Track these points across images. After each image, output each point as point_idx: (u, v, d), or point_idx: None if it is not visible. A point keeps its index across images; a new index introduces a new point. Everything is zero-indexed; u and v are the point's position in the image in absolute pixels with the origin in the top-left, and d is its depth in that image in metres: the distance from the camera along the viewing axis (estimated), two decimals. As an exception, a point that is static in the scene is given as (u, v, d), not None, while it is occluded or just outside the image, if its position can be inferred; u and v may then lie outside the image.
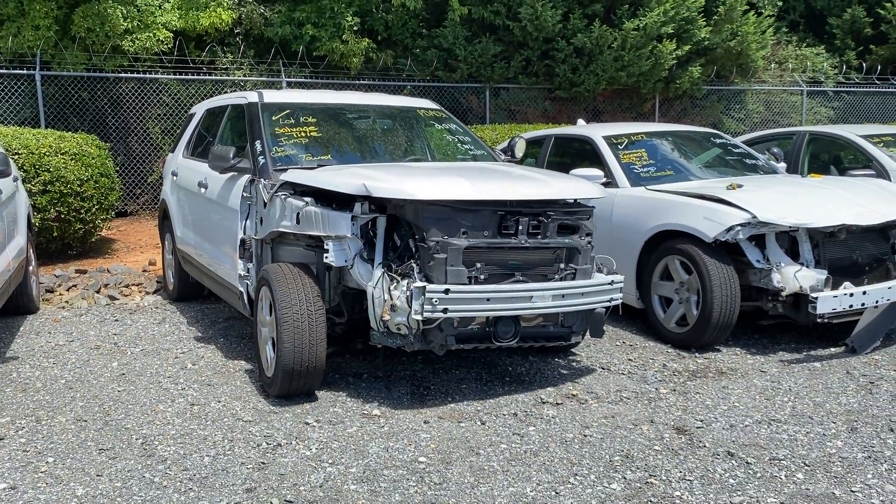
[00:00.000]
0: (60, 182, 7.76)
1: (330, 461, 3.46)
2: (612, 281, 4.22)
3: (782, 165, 6.58)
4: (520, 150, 5.63)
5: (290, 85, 11.26)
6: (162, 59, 10.97)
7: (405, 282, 3.79)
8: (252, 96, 5.35)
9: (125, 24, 10.45)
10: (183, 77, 11.00)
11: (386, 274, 3.86)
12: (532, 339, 4.16)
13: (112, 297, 6.91)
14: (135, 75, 10.73)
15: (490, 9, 11.93)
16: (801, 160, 7.54)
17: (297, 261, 4.42)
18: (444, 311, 3.73)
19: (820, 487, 3.19)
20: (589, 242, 4.21)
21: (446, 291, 3.71)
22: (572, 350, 5.04)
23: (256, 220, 4.65)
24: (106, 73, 10.59)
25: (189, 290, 6.53)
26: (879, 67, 15.45)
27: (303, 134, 5.04)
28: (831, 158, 7.68)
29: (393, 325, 3.86)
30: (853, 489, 3.16)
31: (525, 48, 12.13)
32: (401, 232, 4.04)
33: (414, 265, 3.85)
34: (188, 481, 3.26)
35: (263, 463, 3.44)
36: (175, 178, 6.45)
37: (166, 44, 10.71)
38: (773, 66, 15.57)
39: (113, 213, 8.99)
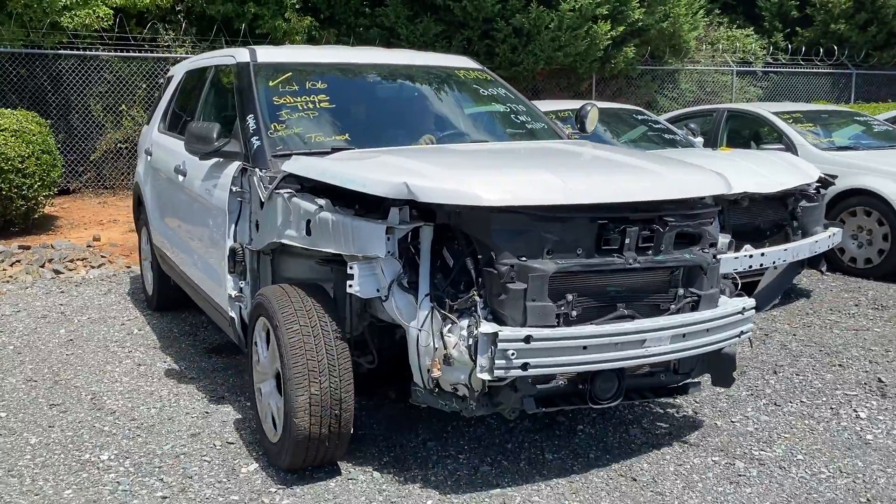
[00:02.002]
0: (1, 159, 7.81)
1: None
2: (744, 308, 3.15)
3: (699, 140, 7.06)
4: (592, 121, 4.44)
5: (232, 63, 11.34)
6: (102, 36, 10.95)
7: (465, 323, 2.69)
8: (242, 54, 4.10)
9: (64, 1, 10.40)
10: (124, 54, 11.01)
11: (436, 311, 2.76)
12: (637, 395, 3.13)
13: (57, 272, 7.03)
14: (74, 52, 10.69)
15: (431, -12, 12.18)
16: (720, 136, 8.04)
17: (306, 278, 3.37)
18: (524, 366, 2.65)
19: (706, 419, 3.62)
20: (715, 256, 3.11)
21: (527, 339, 2.63)
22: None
23: (251, 225, 3.50)
24: (45, 49, 10.54)
25: (172, 296, 5.20)
26: (804, 49, 16.15)
27: (310, 105, 3.82)
28: (749, 134, 8.18)
29: (447, 383, 2.78)
30: (733, 420, 3.61)
31: (466, 28, 12.42)
32: (452, 247, 2.90)
33: (477, 298, 2.73)
34: (136, 429, 3.53)
35: (207, 413, 3.72)
36: (149, 157, 5.29)
37: (106, 21, 10.69)
38: (705, 46, 16.17)
39: (55, 189, 9.02)
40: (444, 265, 2.92)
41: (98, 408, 3.78)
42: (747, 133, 8.21)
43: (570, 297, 2.78)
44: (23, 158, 8.01)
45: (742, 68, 15.60)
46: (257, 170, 3.42)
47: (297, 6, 11.75)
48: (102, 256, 7.54)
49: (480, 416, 3.31)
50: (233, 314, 3.62)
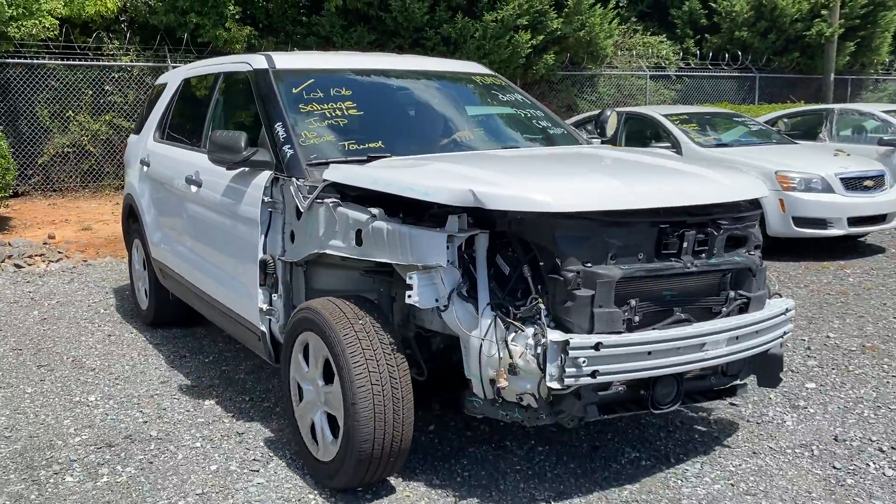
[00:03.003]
0: (-40, 162, 8.36)
1: (225, 364, 4.58)
2: (787, 309, 3.22)
3: (597, 140, 8.07)
4: (612, 126, 4.52)
5: (176, 70, 11.97)
6: (49, 45, 11.47)
7: (531, 331, 2.67)
8: (258, 61, 4.05)
9: (10, 12, 10.89)
10: (70, 63, 11.55)
11: (500, 320, 2.72)
12: (690, 399, 3.13)
13: (18, 265, 7.65)
14: (21, 61, 11.20)
15: (363, 0, 13.02)
16: (618, 136, 9.10)
17: (348, 291, 3.31)
18: (594, 374, 2.64)
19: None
20: (760, 258, 3.20)
21: (597, 346, 2.63)
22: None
23: (285, 235, 3.43)
24: (-8, 58, 11.03)
25: (171, 311, 5.18)
26: (712, 54, 17.52)
27: (338, 112, 3.79)
28: (645, 134, 9.27)
29: (513, 393, 2.73)
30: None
31: (397, 36, 13.29)
32: (505, 254, 2.89)
33: (541, 305, 2.71)
34: (115, 380, 4.31)
35: (172, 366, 4.51)
36: (146, 168, 5.17)
37: (52, 31, 11.22)
38: (622, 52, 17.40)
39: (9, 192, 9.56)
40: (498, 274, 2.87)
41: (79, 367, 4.53)
42: (643, 133, 9.29)
43: (632, 302, 2.78)
44: (-21, 162, 8.57)
45: (655, 73, 16.85)
46: (294, 179, 3.35)
47: (236, 16, 12.44)
48: (59, 252, 8.16)
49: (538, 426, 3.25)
50: (263, 328, 3.51)
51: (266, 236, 3.50)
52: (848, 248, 7.88)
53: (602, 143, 4.55)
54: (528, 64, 14.05)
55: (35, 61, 11.32)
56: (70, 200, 11.33)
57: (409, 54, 5.61)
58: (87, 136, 11.70)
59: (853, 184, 7.44)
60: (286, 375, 3.27)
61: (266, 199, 3.49)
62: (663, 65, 17.40)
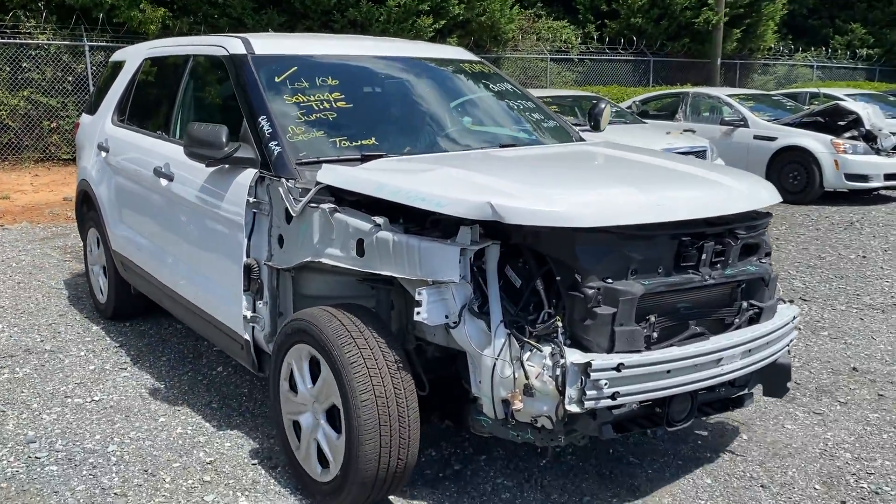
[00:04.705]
0: None
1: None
2: (794, 316, 3.16)
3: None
4: (606, 119, 4.40)
5: (91, 50, 12.65)
6: (-34, 22, 12.01)
7: (548, 351, 2.53)
8: (234, 45, 3.73)
9: (-73, -10, 11.41)
10: (-13, 40, 12.11)
11: (513, 337, 2.57)
12: (702, 413, 3.02)
13: (-61, 229, 8.40)
14: (-61, 38, 11.73)
15: (274, -17, 13.83)
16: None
17: (342, 298, 3.09)
18: (614, 396, 2.53)
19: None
20: (771, 265, 3.12)
21: (618, 367, 2.51)
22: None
23: (272, 239, 3.20)
24: (-90, 35, 11.52)
25: (131, 304, 4.94)
26: (609, 39, 18.83)
27: (326, 105, 3.50)
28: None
29: (528, 415, 2.59)
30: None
31: (307, 19, 14.15)
32: (517, 267, 2.73)
33: (559, 324, 2.57)
34: (20, 314, 5.23)
35: (72, 304, 5.47)
36: (104, 154, 4.84)
37: (-31, 9, 11.77)
38: (531, 36, 18.57)
39: (-71, 162, 10.20)
40: (508, 286, 2.70)
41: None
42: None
43: (651, 318, 2.66)
44: None
45: (555, 56, 18.07)
46: (283, 180, 3.11)
47: (151, -2, 13.12)
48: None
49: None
50: (247, 337, 3.29)
51: (250, 239, 3.26)
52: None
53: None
54: (432, 46, 15.08)
55: (-48, 38, 11.85)
56: (-14, 172, 11.96)
57: (379, 37, 5.39)
58: (5, 110, 12.29)
59: (677, 158, 8.72)
60: (274, 388, 3.07)
61: (251, 199, 3.24)
62: (566, 48, 18.64)
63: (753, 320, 2.95)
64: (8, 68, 12.30)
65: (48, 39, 12.58)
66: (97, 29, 12.83)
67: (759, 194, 3.03)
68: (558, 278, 2.61)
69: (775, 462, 3.27)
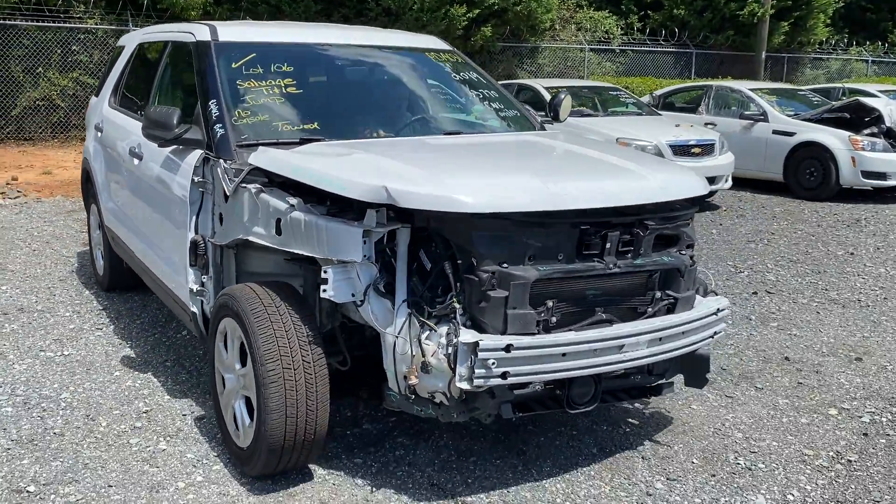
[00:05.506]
0: (-67, 111, 9.72)
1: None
2: (718, 310, 3.17)
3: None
4: (566, 110, 4.50)
5: (135, 34, 13.24)
6: (20, 7, 12.75)
7: (444, 330, 2.65)
8: (201, 31, 3.92)
9: (-15, -24, 12.16)
10: (40, 24, 12.84)
11: (414, 317, 2.71)
12: (611, 397, 3.14)
13: (-20, 200, 9.06)
14: (-5, 22, 12.51)
15: (311, -28, 14.23)
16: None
17: (277, 276, 3.26)
18: (504, 375, 2.63)
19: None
20: (692, 258, 3.14)
21: (508, 348, 2.61)
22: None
23: (214, 217, 3.39)
24: (-31, 19, 12.32)
25: (125, 277, 5.13)
26: (650, 30, 18.68)
27: (276, 90, 3.67)
28: (534, 105, 10.57)
29: (424, 390, 2.73)
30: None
31: (343, 7, 14.53)
32: (429, 250, 2.84)
33: (456, 305, 2.69)
34: (25, 277, 5.72)
35: (74, 272, 5.93)
36: (99, 134, 5.16)
37: (24, -7, 12.50)
38: (570, 25, 18.59)
39: (-21, 138, 10.94)
40: (421, 269, 2.82)
41: (2, 268, 5.94)
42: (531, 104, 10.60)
43: (549, 303, 2.75)
44: (-49, 111, 9.93)
45: (594, 46, 18.05)
46: (221, 161, 3.28)
47: (194, -16, 13.66)
48: (18, 191, 9.56)
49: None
50: (194, 309, 3.48)
51: (198, 216, 3.44)
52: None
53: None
54: (466, 35, 15.27)
55: (7, 22, 12.61)
56: (39, 149, 12.70)
57: (359, 26, 5.55)
58: (56, 91, 13.03)
59: (681, 150, 8.78)
60: (210, 357, 3.25)
61: (196, 178, 3.42)
62: (608, 39, 18.58)
63: (670, 310, 3.01)
64: (59, 51, 13.02)
65: (96, 24, 13.26)
66: (142, 14, 13.45)
67: (675, 186, 3.04)
68: (459, 262, 2.71)
69: (666, 437, 3.46)
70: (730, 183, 9.24)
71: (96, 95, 5.69)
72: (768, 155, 10.34)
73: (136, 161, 4.20)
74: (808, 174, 10.00)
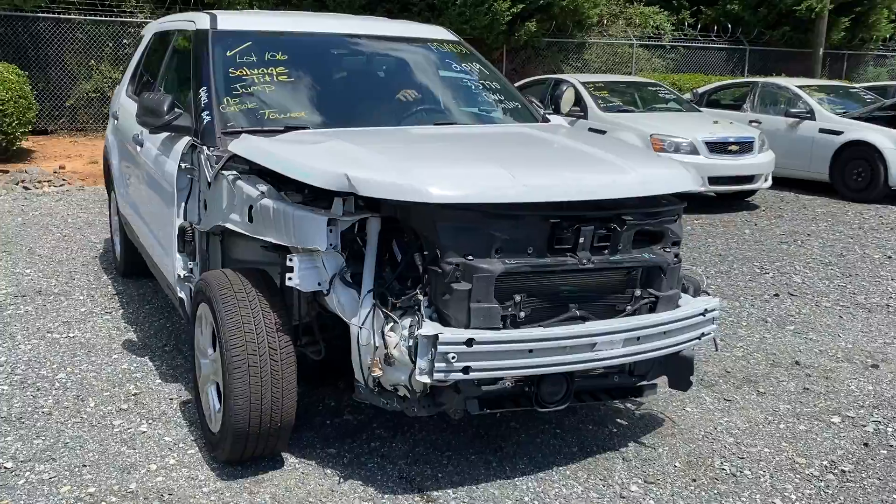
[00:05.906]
0: (-15, 101, 10.11)
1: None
2: (706, 310, 3.04)
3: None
4: (567, 102, 4.46)
5: (182, 28, 13.52)
6: (75, 2, 13.14)
7: (407, 322, 2.62)
8: (202, 20, 3.95)
9: (41, -28, 12.58)
10: (93, 18, 13.22)
11: (378, 309, 2.66)
12: (589, 396, 3.04)
13: (26, 188, 9.37)
14: (50, 15, 12.92)
15: (357, -33, 14.32)
16: (546, 100, 10.29)
17: (259, 263, 3.24)
18: (465, 370, 2.57)
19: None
20: (677, 256, 3.00)
21: (469, 342, 2.55)
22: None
23: (199, 204, 3.42)
24: (26, 12, 12.75)
25: (139, 263, 4.97)
26: (702, 26, 18.23)
27: (266, 78, 3.67)
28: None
29: (388, 382, 2.71)
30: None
31: (387, 1, 14.56)
32: (401, 241, 2.82)
33: (420, 297, 2.65)
34: (50, 261, 5.89)
35: (97, 259, 6.08)
36: (115, 122, 5.31)
37: (79, -12, 12.89)
38: (619, 21, 18.28)
39: (30, 127, 11.30)
40: (393, 259, 2.79)
41: (32, 254, 6.12)
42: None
43: (517, 297, 2.68)
44: (3, 102, 10.29)
45: (643, 42, 17.71)
46: (205, 147, 3.32)
47: (239, -20, 13.89)
48: (63, 180, 9.87)
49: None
50: (182, 295, 3.50)
51: (186, 203, 3.47)
52: (728, 205, 9.01)
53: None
54: (511, 30, 15.15)
55: (63, 16, 13.01)
56: (90, 139, 13.08)
57: (368, 16, 5.50)
58: (108, 83, 13.39)
59: (718, 147, 8.54)
60: (192, 345, 3.26)
61: (184, 165, 3.45)
62: (659, 34, 18.22)
63: (651, 309, 2.92)
64: (111, 44, 13.39)
65: (146, 18, 13.58)
66: (189, 8, 13.72)
67: (658, 181, 2.94)
68: (425, 253, 2.67)
69: (652, 439, 3.35)
70: (769, 182, 8.94)
71: (120, 85, 5.77)
72: (814, 154, 9.98)
73: (138, 148, 4.29)
74: (856, 175, 9.62)
